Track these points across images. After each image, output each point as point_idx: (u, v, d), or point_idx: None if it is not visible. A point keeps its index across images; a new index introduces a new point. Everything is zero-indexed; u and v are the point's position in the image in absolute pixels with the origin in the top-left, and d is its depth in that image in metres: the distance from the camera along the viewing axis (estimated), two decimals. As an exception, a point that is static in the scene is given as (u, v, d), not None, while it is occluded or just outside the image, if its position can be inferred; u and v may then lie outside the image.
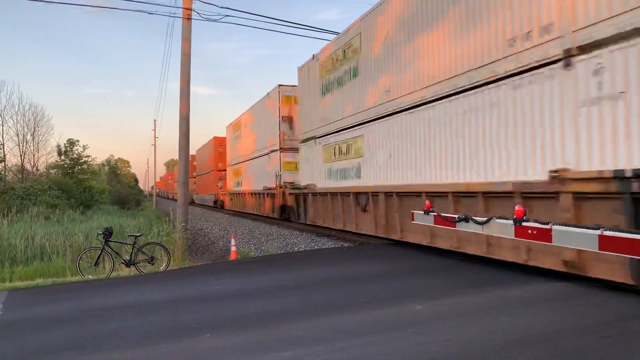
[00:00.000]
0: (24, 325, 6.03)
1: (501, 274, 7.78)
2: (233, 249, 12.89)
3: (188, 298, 7.21)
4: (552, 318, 5.27)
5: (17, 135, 39.24)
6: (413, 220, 9.56)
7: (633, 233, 5.03)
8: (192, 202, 56.87)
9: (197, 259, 16.28)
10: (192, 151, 63.71)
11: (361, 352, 4.43)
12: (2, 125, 38.04)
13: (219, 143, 42.20)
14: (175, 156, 16.38)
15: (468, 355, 4.25)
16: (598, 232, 5.26)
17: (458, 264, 8.93)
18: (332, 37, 16.91)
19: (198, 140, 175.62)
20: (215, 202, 42.67)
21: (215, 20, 16.22)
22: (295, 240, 16.24)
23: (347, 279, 8.21)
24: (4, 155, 36.71)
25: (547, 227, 5.94)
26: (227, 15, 15.51)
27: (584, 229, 5.52)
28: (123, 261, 11.00)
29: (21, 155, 39.44)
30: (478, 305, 5.94)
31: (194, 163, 57.66)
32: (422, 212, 9.07)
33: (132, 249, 11.05)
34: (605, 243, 5.21)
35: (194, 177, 57.96)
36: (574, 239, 5.62)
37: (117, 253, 11.16)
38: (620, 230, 5.22)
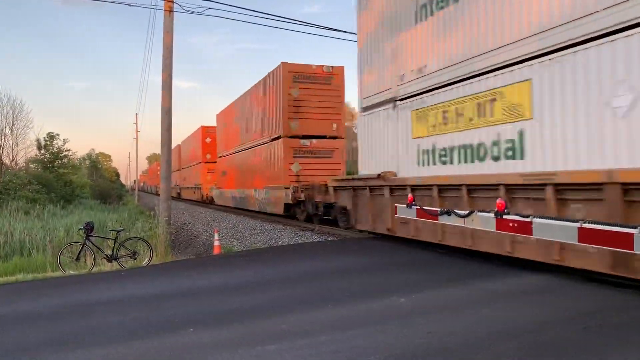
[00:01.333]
0: (4, 321, 5.94)
1: (482, 267, 7.86)
2: (216, 243, 12.83)
3: (171, 293, 7.16)
4: (533, 310, 5.35)
5: (-5, 129, 38.59)
6: (396, 213, 9.62)
7: (611, 225, 5.13)
8: (211, 202, 35.35)
9: (180, 253, 16.18)
10: (177, 141, 51.45)
11: (345, 345, 4.45)
12: (-20, 119, 37.38)
13: (289, 74, 18.73)
14: (158, 150, 16.18)
15: (450, 347, 4.30)
16: (577, 224, 5.35)
17: (440, 257, 9.01)
18: (317, 31, 16.68)
19: (181, 134, 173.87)
20: (291, 207, 18.63)
21: (197, 13, 16.09)
22: (279, 235, 16.23)
23: (331, 272, 8.24)
24: (-18, 150, 36.08)
25: (528, 220, 6.03)
26: (209, 8, 15.32)
27: (564, 222, 5.61)
28: (105, 256, 10.89)
29: None
30: (460, 298, 6.01)
31: (207, 140, 37.84)
32: (405, 206, 9.13)
33: (114, 244, 10.95)
34: (584, 235, 5.31)
35: (208, 163, 37.26)
36: (554, 232, 5.71)
37: (98, 248, 11.06)
38: (599, 223, 5.31)
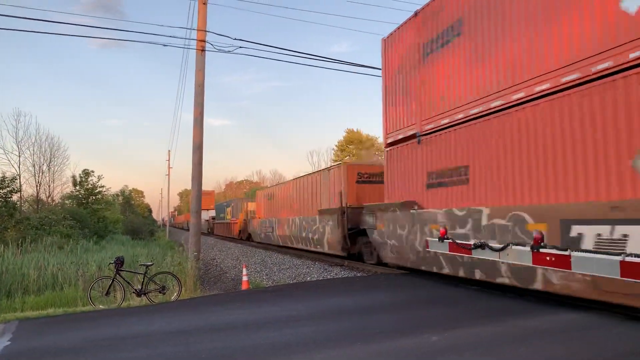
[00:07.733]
0: (33, 355, 5.95)
1: (516, 304, 7.56)
2: (245, 278, 12.76)
3: (199, 328, 7.09)
4: (572, 349, 5.08)
5: (34, 166, 39.95)
6: (427, 248, 9.41)
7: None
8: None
9: (209, 288, 16.14)
10: (207, 179, 54.04)
11: (375, 384, 4.27)
12: (19, 156, 38.78)
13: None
14: (190, 186, 16.34)
15: (487, 387, 4.08)
16: (619, 258, 5.11)
17: (472, 293, 8.72)
18: (345, 67, 16.85)
19: (212, 173, 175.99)
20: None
21: (228, 52, 16.45)
22: (307, 270, 16.07)
23: (360, 309, 8.04)
24: (20, 186, 37.21)
25: (566, 253, 5.80)
26: (240, 47, 15.70)
27: (605, 255, 5.37)
28: (134, 290, 10.91)
29: (37, 186, 40.03)
30: (495, 336, 5.76)
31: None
32: (437, 240, 8.93)
33: (144, 279, 10.98)
34: (627, 269, 5.06)
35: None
36: (594, 266, 5.47)
37: (128, 282, 11.09)
38: (642, 257, 5.06)
